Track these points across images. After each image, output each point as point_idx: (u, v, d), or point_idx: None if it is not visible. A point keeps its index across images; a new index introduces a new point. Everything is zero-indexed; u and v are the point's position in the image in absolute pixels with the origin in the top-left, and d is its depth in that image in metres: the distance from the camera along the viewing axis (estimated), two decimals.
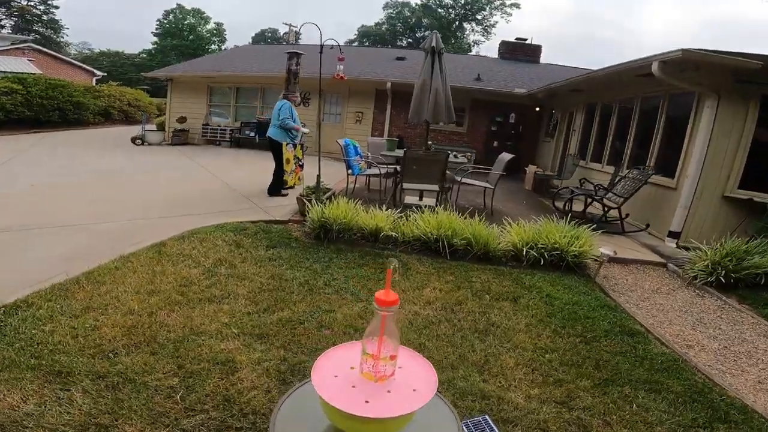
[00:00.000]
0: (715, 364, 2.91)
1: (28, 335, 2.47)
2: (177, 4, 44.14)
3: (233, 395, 2.12)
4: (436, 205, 5.67)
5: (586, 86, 9.33)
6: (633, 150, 7.77)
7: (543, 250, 4.46)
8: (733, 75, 5.46)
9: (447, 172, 6.31)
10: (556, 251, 4.45)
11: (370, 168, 7.58)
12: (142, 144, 13.85)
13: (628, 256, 5.20)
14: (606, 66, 7.52)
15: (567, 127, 11.30)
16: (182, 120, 15.02)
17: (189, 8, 44.77)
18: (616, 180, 6.99)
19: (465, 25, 41.79)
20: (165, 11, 44.18)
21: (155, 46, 43.49)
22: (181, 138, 14.68)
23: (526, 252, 4.47)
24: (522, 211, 7.25)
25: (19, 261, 3.67)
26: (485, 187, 6.89)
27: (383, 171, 6.99)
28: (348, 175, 7.34)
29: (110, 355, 2.37)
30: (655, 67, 5.70)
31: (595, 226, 5.01)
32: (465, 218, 4.81)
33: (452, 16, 41.08)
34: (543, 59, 17.96)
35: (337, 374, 1.13)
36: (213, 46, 45.50)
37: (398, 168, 6.58)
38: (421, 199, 6.68)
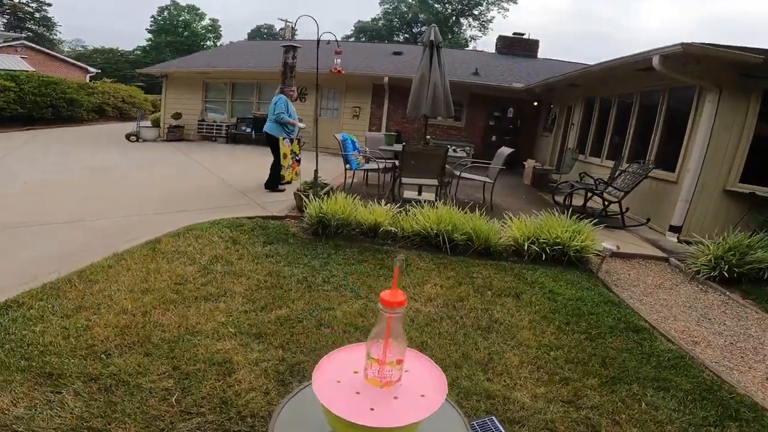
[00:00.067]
0: (722, 360, 2.86)
1: (19, 336, 2.39)
2: (171, 0, 43.72)
3: (230, 397, 2.05)
4: (436, 200, 5.60)
5: (584, 81, 9.26)
6: (632, 144, 7.72)
7: (545, 245, 4.40)
8: (735, 69, 5.41)
9: (446, 166, 6.23)
10: (558, 246, 4.39)
11: (368, 163, 7.50)
12: (137, 140, 13.70)
13: (630, 250, 5.14)
14: (606, 60, 7.45)
15: (565, 122, 11.24)
16: (177, 116, 14.88)
17: (184, 5, 44.35)
18: (616, 174, 6.94)
19: (462, 20, 41.56)
20: (159, 7, 43.77)
21: (150, 42, 43.04)
22: (176, 134, 14.56)
23: (528, 247, 4.41)
24: (521, 205, 7.19)
25: (10, 260, 3.58)
26: (484, 182, 6.82)
27: (381, 166, 6.91)
28: (346, 170, 7.25)
29: (103, 356, 2.29)
30: (655, 61, 5.65)
31: (596, 220, 4.95)
32: (465, 213, 4.74)
33: (449, 11, 40.85)
34: (540, 55, 17.88)
35: (340, 379, 1.05)
36: (208, 43, 45.09)
37: (397, 163, 6.50)
38: (419, 193, 6.61)
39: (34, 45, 24.97)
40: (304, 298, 3.14)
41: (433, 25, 6.98)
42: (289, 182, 7.15)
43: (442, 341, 2.70)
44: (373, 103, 13.82)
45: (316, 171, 5.79)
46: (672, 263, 4.95)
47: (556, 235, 4.46)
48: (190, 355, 2.33)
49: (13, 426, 1.78)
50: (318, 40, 5.91)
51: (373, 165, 7.13)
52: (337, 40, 6.43)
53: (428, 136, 7.95)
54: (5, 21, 35.49)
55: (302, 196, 5.24)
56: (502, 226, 4.79)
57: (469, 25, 42.18)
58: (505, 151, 6.95)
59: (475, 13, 41.20)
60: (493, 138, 13.21)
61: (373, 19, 44.24)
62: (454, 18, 40.98)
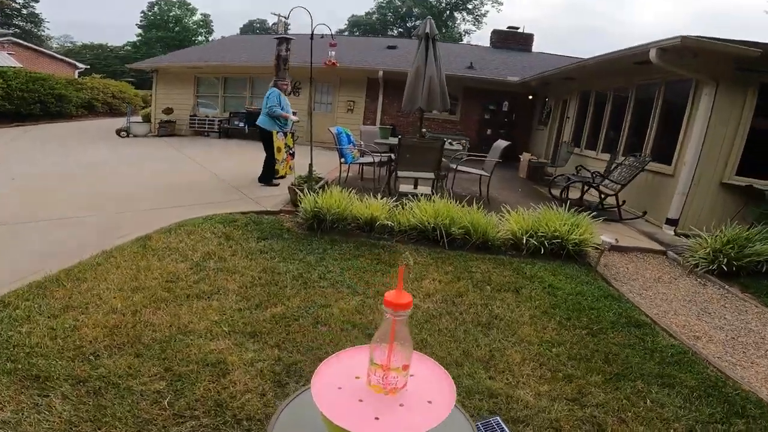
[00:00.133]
0: (724, 356, 2.82)
1: (4, 337, 2.31)
2: None
3: (225, 399, 1.97)
4: (432, 193, 5.54)
5: (580, 74, 9.21)
6: (628, 137, 7.69)
7: (543, 239, 4.35)
8: (732, 63, 5.39)
9: (442, 159, 6.16)
10: (557, 239, 4.34)
11: (363, 156, 7.41)
12: (128, 136, 13.50)
13: (627, 243, 5.11)
14: (602, 53, 7.39)
15: (560, 115, 11.20)
16: (168, 111, 14.68)
17: (174, 0, 43.74)
18: (612, 167, 6.91)
19: (456, 14, 41.36)
20: (149, 3, 43.01)
21: (140, 38, 42.41)
22: (167, 129, 14.37)
23: (526, 240, 4.35)
24: (518, 198, 7.14)
25: None
26: (481, 175, 6.76)
27: (377, 159, 6.82)
28: (341, 163, 7.16)
29: (91, 357, 2.21)
30: (653, 54, 5.60)
31: (595, 213, 4.91)
32: (462, 206, 4.68)
33: (443, 5, 40.58)
34: (534, 49, 17.81)
35: (341, 385, 0.98)
36: (200, 38, 44.50)
37: (392, 156, 6.41)
38: (416, 187, 6.54)
39: (21, 41, 24.50)
40: (299, 295, 3.07)
41: (429, 17, 6.87)
42: (283, 177, 7.05)
43: (442, 338, 2.64)
44: (367, 97, 13.71)
45: (310, 165, 5.69)
46: (670, 256, 4.92)
47: (555, 228, 4.41)
48: (182, 356, 2.26)
49: (0, 431, 1.71)
50: (312, 33, 5.80)
51: (368, 158, 7.04)
52: (331, 34, 6.32)
53: (424, 129, 7.85)
54: None
55: (297, 190, 5.15)
56: (500, 219, 4.74)
57: (463, 19, 42.01)
58: (501, 144, 6.89)
59: (469, 7, 40.99)
60: (488, 131, 13.16)
61: (367, 14, 43.91)
62: (448, 12, 40.77)
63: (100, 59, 38.83)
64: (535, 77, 11.20)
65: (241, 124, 13.82)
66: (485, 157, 7.02)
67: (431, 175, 6.07)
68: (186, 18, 44.56)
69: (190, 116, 14.73)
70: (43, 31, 40.10)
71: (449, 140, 7.83)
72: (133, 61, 20.90)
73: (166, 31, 42.07)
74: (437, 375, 1.06)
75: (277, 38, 7.45)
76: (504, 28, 18.25)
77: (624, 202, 6.47)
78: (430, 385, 1.02)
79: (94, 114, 20.64)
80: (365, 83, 13.53)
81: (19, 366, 2.09)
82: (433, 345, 2.56)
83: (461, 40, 38.80)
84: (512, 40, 17.55)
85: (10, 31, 28.19)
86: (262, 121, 6.70)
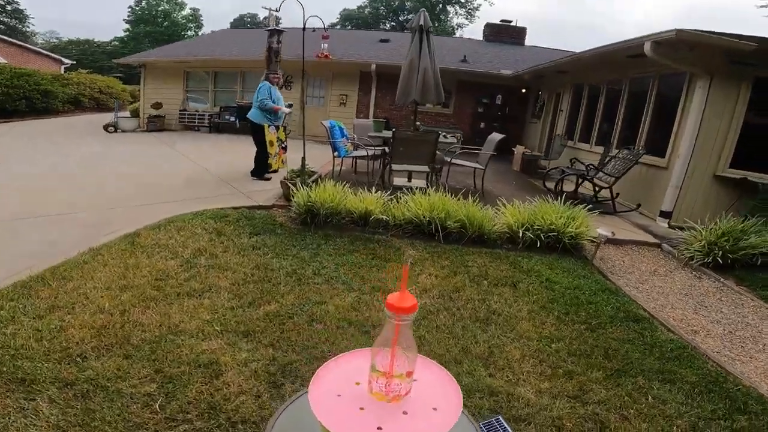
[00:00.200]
0: (722, 350, 2.80)
1: None
2: None
3: (219, 402, 1.91)
4: (427, 187, 5.48)
5: (573, 67, 9.18)
6: (622, 130, 7.68)
7: (539, 232, 4.31)
8: (726, 56, 5.38)
9: (437, 152, 6.10)
10: (553, 233, 4.31)
11: (356, 150, 7.33)
12: (116, 131, 13.27)
13: (622, 236, 5.10)
14: (596, 47, 7.35)
15: (554, 108, 11.18)
16: (158, 106, 14.47)
17: None
18: (606, 160, 6.89)
19: (448, 8, 41.14)
20: None
21: (128, 33, 41.67)
22: (157, 124, 14.16)
23: (523, 234, 4.32)
24: (512, 191, 7.10)
25: None
26: (475, 168, 6.71)
27: (370, 153, 6.75)
28: (334, 157, 7.07)
29: (78, 359, 2.13)
30: (647, 47, 5.57)
31: (590, 206, 4.89)
32: (458, 199, 4.63)
33: None
34: (527, 42, 17.75)
35: (341, 393, 0.92)
36: (189, 33, 43.80)
37: (386, 149, 6.34)
38: (410, 180, 6.47)
39: (6, 37, 24.00)
40: (293, 292, 3.00)
41: (422, 9, 6.77)
42: (275, 171, 6.95)
43: (440, 335, 2.59)
44: (360, 90, 13.59)
45: (303, 158, 5.60)
46: (665, 249, 4.92)
47: (551, 221, 4.38)
48: (173, 357, 2.18)
49: None
50: (304, 25, 5.68)
51: (362, 152, 6.96)
52: (324, 27, 6.21)
53: (418, 123, 7.78)
54: None
55: (289, 184, 5.07)
56: (496, 212, 4.70)
57: (456, 12, 41.81)
58: (496, 137, 6.84)
59: (462, 0, 40.81)
60: (482, 125, 13.12)
61: (359, 7, 43.51)
62: (440, 6, 40.54)
63: (87, 55, 38.23)
64: (528, 70, 11.16)
65: (232, 119, 13.67)
66: (479, 150, 6.97)
67: (426, 168, 6.02)
68: (175, 13, 43.82)
69: (180, 111, 14.55)
70: (28, 27, 39.41)
71: (443, 133, 7.78)
72: (121, 56, 20.52)
73: (155, 26, 41.34)
74: (442, 379, 1.00)
75: (268, 30, 7.33)
76: (497, 21, 18.18)
77: (618, 194, 6.46)
78: (435, 391, 0.97)
79: (81, 109, 20.31)
80: (358, 77, 13.41)
81: (4, 369, 2.01)
82: (431, 342, 2.51)
83: (454, 34, 38.65)
84: (505, 34, 17.49)
85: None
86: (252, 114, 6.60)
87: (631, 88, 7.52)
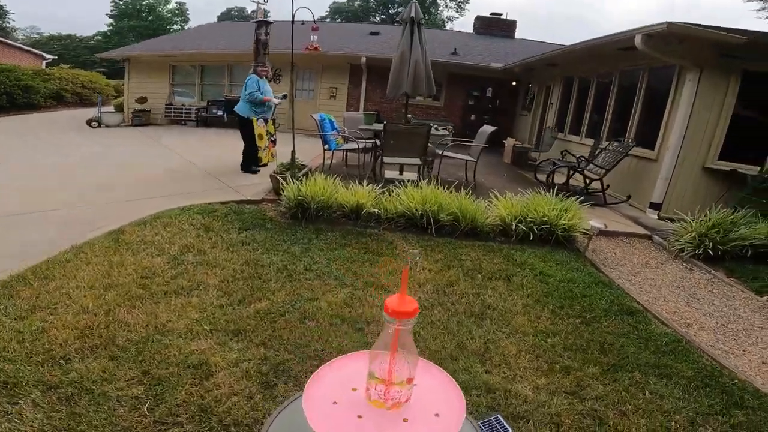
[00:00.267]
0: (716, 343, 2.80)
1: None
2: None
3: (210, 404, 1.85)
4: (419, 179, 5.43)
5: (563, 60, 9.16)
6: (612, 122, 7.69)
7: (532, 224, 4.29)
8: (716, 49, 5.38)
9: (429, 145, 6.05)
10: (546, 225, 4.29)
11: (347, 143, 7.24)
12: (99, 126, 12.99)
13: (614, 228, 5.11)
14: (587, 39, 7.34)
15: (544, 101, 11.18)
16: (143, 100, 14.20)
17: None
18: (597, 152, 6.90)
19: (438, 0, 40.92)
20: None
21: (111, 28, 40.75)
22: (142, 119, 13.90)
23: (515, 226, 4.29)
24: (504, 183, 7.08)
25: None
26: (467, 160, 6.67)
27: (361, 145, 6.67)
28: (324, 150, 6.98)
29: (62, 361, 2.05)
30: (638, 40, 5.56)
31: (582, 198, 4.88)
32: (450, 192, 4.58)
33: None
34: (517, 35, 17.73)
35: (337, 400, 0.87)
36: (175, 27, 42.94)
37: (377, 142, 6.27)
38: (401, 173, 6.42)
39: None
40: (285, 289, 2.93)
41: (414, 0, 6.68)
42: (265, 164, 6.84)
43: (435, 331, 2.55)
44: (350, 83, 13.46)
45: (293, 152, 5.51)
46: (655, 241, 4.93)
47: (543, 213, 4.36)
48: (161, 358, 2.11)
49: None
50: (293, 16, 5.56)
51: (352, 145, 6.88)
52: (314, 19, 6.10)
53: (409, 115, 7.71)
54: None
55: (279, 178, 4.98)
56: (489, 205, 4.66)
57: (446, 5, 41.61)
58: (488, 129, 6.81)
59: None
60: (473, 117, 13.10)
61: (349, 0, 43.08)
62: None
63: (69, 50, 37.40)
64: (518, 63, 11.13)
65: (220, 113, 13.50)
66: (471, 142, 6.93)
67: (417, 160, 5.96)
68: (160, 7, 42.93)
69: (166, 105, 14.33)
70: (8, 22, 38.42)
71: (435, 125, 7.72)
72: (104, 51, 20.05)
73: (139, 20, 40.47)
74: (443, 383, 0.95)
75: (255, 22, 7.17)
76: (486, 14, 18.14)
77: (608, 186, 6.48)
78: (437, 396, 0.92)
79: (64, 104, 19.86)
80: (348, 70, 13.28)
81: None
82: (426, 338, 2.47)
83: (444, 27, 38.47)
84: (495, 27, 17.48)
85: None
86: (239, 108, 6.48)
87: (621, 81, 7.53)
